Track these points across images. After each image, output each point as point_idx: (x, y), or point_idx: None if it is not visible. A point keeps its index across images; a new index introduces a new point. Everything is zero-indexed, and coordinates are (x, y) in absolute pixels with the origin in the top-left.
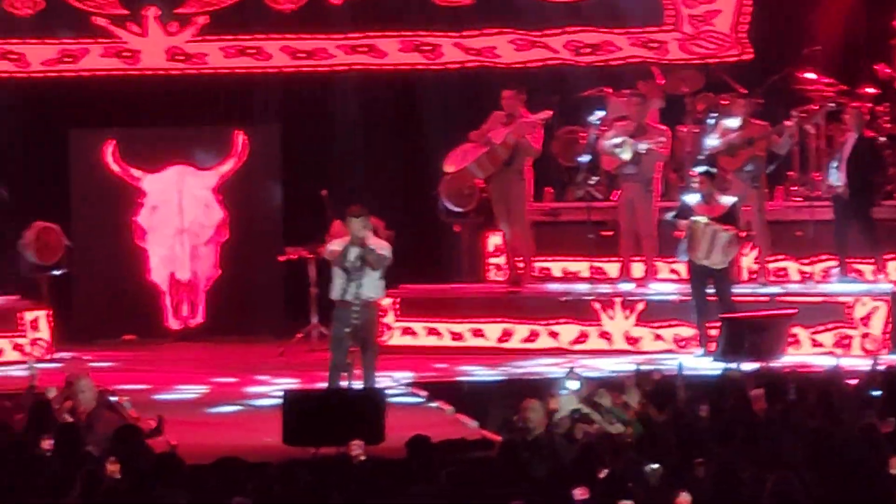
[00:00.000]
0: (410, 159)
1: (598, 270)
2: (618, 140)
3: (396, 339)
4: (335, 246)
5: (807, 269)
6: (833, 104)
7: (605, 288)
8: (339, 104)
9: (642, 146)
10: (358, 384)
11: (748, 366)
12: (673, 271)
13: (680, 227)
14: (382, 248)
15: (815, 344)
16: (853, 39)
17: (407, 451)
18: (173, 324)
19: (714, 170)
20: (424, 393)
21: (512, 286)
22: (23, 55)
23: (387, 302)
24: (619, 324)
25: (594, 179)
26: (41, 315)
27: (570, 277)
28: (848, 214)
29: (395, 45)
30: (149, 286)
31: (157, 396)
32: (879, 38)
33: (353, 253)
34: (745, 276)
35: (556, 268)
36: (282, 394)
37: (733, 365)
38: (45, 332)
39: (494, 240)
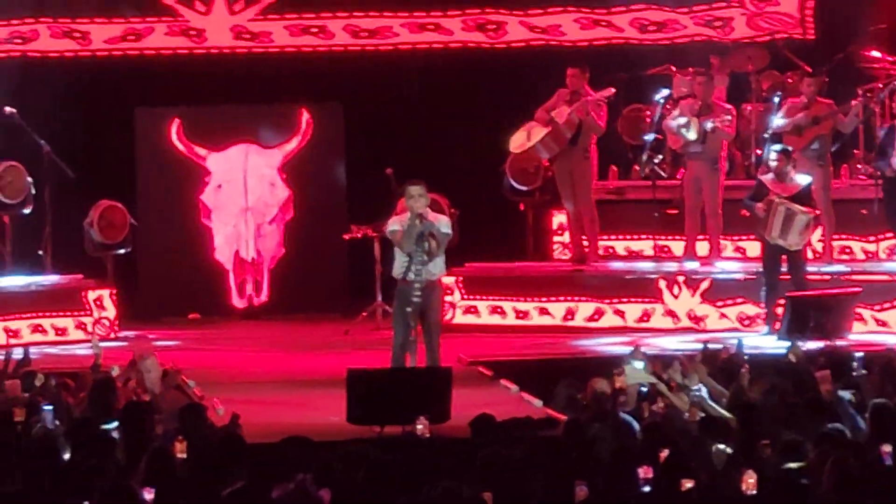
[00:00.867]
0: (474, 138)
1: (662, 249)
2: (683, 119)
3: (460, 318)
4: (395, 226)
5: (871, 247)
6: None
7: (669, 266)
8: (402, 83)
9: (708, 124)
10: (422, 363)
11: (812, 345)
12: (738, 249)
13: (755, 208)
14: (443, 224)
15: (880, 323)
16: None
17: (471, 429)
18: (238, 303)
19: (791, 148)
20: (489, 371)
21: (577, 264)
22: (87, 34)
23: (450, 280)
24: (683, 302)
25: (659, 158)
26: (105, 294)
27: (634, 256)
28: None
29: (458, 23)
30: (213, 265)
31: (221, 375)
32: None
33: (415, 231)
34: (809, 254)
35: (621, 246)
36: (346, 372)
37: (798, 344)
38: (109, 311)
39: (559, 218)
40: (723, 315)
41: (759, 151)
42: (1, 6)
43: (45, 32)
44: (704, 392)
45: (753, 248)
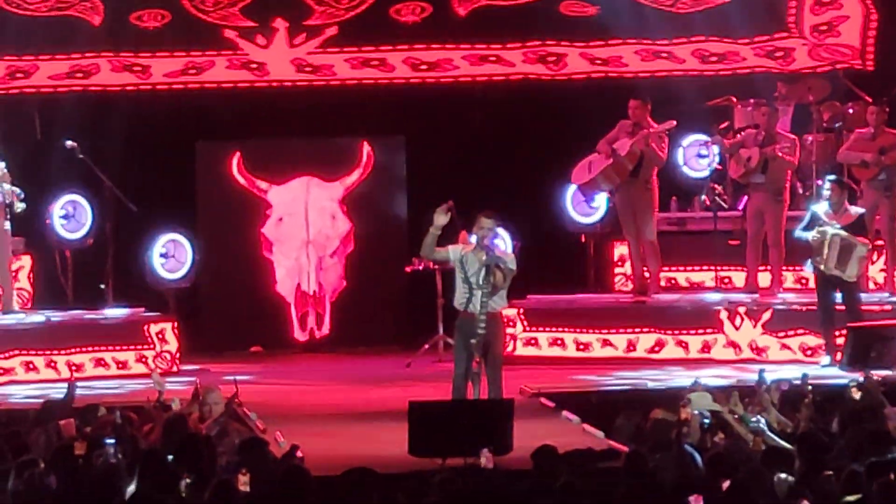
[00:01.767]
0: (535, 170)
1: (723, 280)
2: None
3: (522, 350)
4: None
5: None
6: None
7: (731, 297)
8: (463, 115)
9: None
10: (484, 395)
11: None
12: (799, 280)
13: (810, 240)
14: (510, 260)
15: None
16: None
17: (533, 461)
18: (300, 335)
19: (844, 179)
20: (551, 403)
21: (638, 296)
22: (148, 67)
23: (512, 312)
24: (745, 333)
25: (720, 188)
26: (168, 327)
27: (695, 287)
28: None
29: (519, 55)
30: (275, 298)
31: (283, 408)
32: None
33: (477, 264)
34: (871, 285)
35: (682, 277)
36: (407, 405)
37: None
38: (171, 345)
39: (621, 249)
40: (784, 346)
41: (819, 182)
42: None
43: (106, 66)
44: (764, 423)
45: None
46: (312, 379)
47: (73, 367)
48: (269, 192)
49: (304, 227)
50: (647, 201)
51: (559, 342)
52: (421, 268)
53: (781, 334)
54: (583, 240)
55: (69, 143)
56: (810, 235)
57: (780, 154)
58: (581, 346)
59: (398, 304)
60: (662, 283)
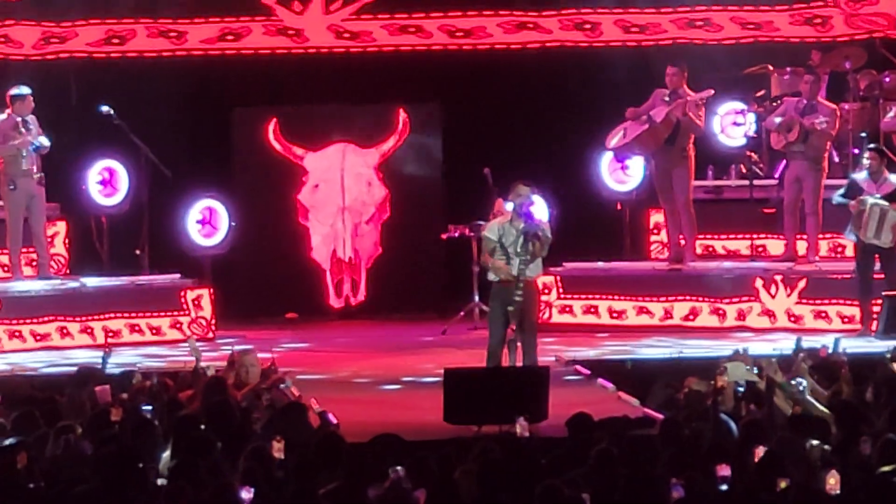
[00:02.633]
0: (571, 137)
1: (759, 248)
2: (780, 119)
3: (557, 317)
4: (490, 234)
5: None
6: None
7: (766, 265)
8: (499, 82)
9: (808, 124)
10: (519, 362)
11: None
12: (835, 249)
13: (848, 206)
14: (548, 228)
15: None
16: None
17: (568, 429)
18: (335, 302)
19: (883, 148)
20: (586, 371)
21: (674, 263)
22: (184, 34)
23: (548, 279)
24: (780, 301)
25: (756, 156)
26: (203, 294)
27: (731, 255)
28: None
29: (555, 22)
30: (311, 264)
31: (318, 375)
32: None
33: (514, 232)
34: None
35: (719, 245)
36: (443, 372)
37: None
38: (206, 311)
39: (656, 217)
40: (819, 314)
41: (856, 150)
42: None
43: (143, 32)
44: (805, 386)
45: (851, 247)
46: (347, 346)
47: (109, 334)
48: (305, 159)
49: (340, 193)
50: (683, 169)
51: (594, 310)
52: (457, 235)
53: (817, 302)
54: (619, 207)
55: (105, 108)
56: (849, 203)
57: (819, 127)
58: (616, 314)
59: (434, 270)
60: (699, 251)
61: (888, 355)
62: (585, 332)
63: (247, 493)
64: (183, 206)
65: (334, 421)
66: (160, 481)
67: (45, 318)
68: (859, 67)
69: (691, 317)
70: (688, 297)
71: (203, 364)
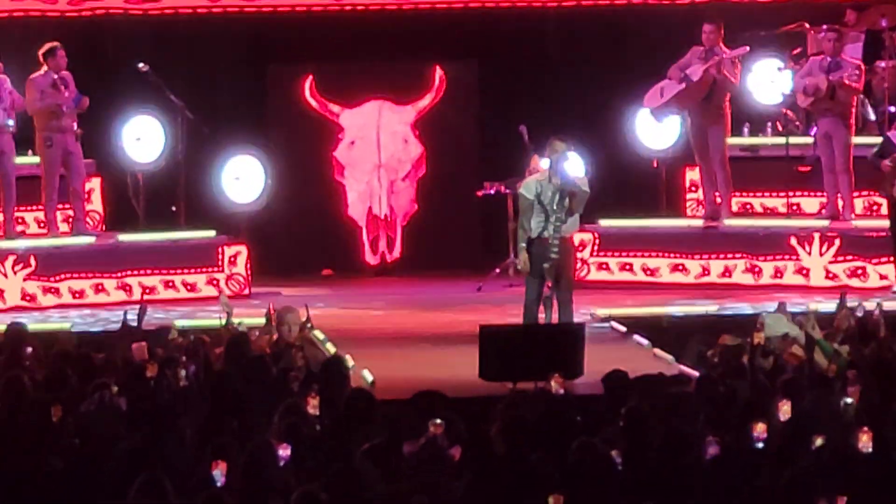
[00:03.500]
0: (608, 95)
1: (793, 206)
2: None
3: (593, 275)
4: (526, 191)
5: None
6: None
7: (802, 223)
8: (535, 39)
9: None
10: (554, 319)
11: None
12: (871, 207)
13: (882, 164)
14: (584, 183)
15: None
16: None
17: (604, 386)
18: (371, 259)
19: None
20: (622, 328)
21: (709, 221)
22: None
23: (585, 236)
24: (816, 259)
25: (792, 114)
26: (241, 250)
27: (767, 213)
28: None
29: None
30: (347, 221)
31: (353, 332)
32: None
33: (551, 189)
34: None
35: (754, 203)
36: (478, 329)
37: None
38: (242, 268)
39: (692, 175)
40: (855, 272)
41: (892, 108)
42: None
43: None
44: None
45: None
46: (383, 303)
47: (146, 290)
48: (341, 116)
49: (376, 150)
50: (719, 127)
51: (630, 267)
52: (492, 192)
53: (853, 260)
54: (655, 165)
55: (141, 65)
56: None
57: (846, 82)
58: (651, 272)
59: (469, 228)
60: (736, 209)
61: None
62: (622, 289)
63: (284, 451)
64: (219, 163)
65: (370, 378)
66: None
67: (81, 275)
68: (895, 25)
69: (728, 274)
70: (724, 255)
71: (234, 320)
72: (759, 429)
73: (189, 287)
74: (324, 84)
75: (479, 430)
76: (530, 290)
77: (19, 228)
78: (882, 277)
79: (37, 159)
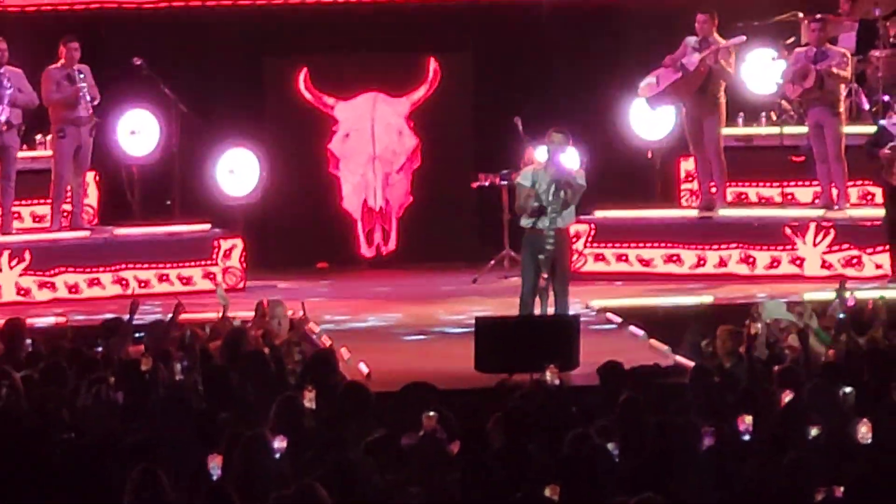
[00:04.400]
0: (602, 86)
1: (787, 195)
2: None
3: (589, 266)
4: (523, 180)
5: None
6: None
7: (797, 212)
8: (529, 30)
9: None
10: (550, 310)
11: None
12: (865, 196)
13: (879, 153)
14: (580, 176)
15: None
16: None
17: (599, 377)
18: (366, 251)
19: None
20: (617, 319)
21: (704, 211)
22: None
23: (580, 228)
24: (811, 249)
25: (786, 104)
26: (237, 243)
27: (762, 202)
28: None
29: None
30: (342, 214)
31: (349, 324)
32: None
33: (546, 181)
34: None
35: (749, 193)
36: (474, 320)
37: None
38: (237, 261)
39: (687, 165)
40: (850, 261)
41: (886, 97)
42: None
43: None
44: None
45: (881, 194)
46: (378, 295)
47: (140, 283)
48: (336, 108)
49: (371, 142)
50: (714, 117)
51: (625, 258)
52: (487, 183)
53: (848, 250)
54: (649, 155)
55: (136, 59)
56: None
57: (834, 70)
58: (646, 262)
59: (464, 219)
60: (730, 199)
61: None
62: (617, 279)
63: (279, 442)
64: (213, 157)
65: (365, 370)
66: None
67: (76, 269)
68: (889, 14)
69: (722, 265)
70: (719, 245)
71: (231, 314)
72: (747, 421)
73: (184, 280)
74: (318, 76)
75: (476, 423)
76: (526, 282)
77: (16, 225)
78: (877, 267)
79: (35, 154)
